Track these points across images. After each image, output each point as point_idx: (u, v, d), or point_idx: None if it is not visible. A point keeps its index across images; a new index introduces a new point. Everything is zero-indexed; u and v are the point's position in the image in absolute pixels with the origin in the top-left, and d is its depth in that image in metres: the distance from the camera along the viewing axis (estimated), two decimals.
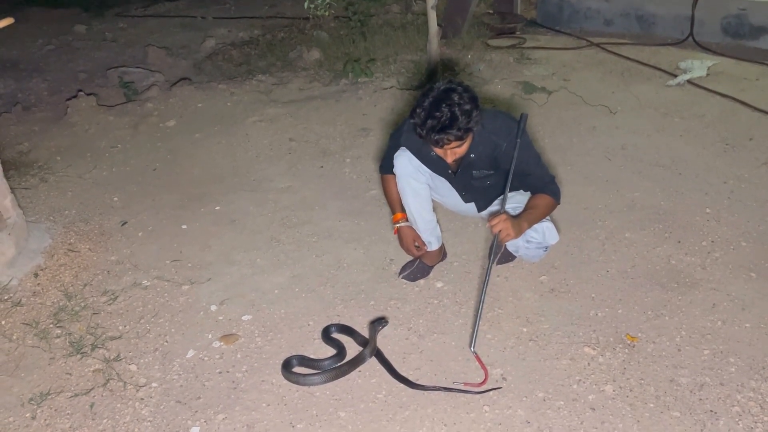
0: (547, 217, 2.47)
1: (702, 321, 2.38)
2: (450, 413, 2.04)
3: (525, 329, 2.38)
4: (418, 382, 2.16)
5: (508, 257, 2.73)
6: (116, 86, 5.11)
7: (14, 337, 2.48)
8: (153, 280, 2.80)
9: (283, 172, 3.68)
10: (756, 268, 2.64)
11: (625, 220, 3.01)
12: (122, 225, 3.24)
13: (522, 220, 2.29)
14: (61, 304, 2.65)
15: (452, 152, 2.23)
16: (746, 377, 2.12)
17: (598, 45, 5.30)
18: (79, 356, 2.37)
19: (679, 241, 2.84)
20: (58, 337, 2.47)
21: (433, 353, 2.30)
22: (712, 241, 2.83)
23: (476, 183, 2.51)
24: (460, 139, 2.16)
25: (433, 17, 4.60)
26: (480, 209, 2.68)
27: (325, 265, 2.84)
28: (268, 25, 6.68)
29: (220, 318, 2.55)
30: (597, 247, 2.83)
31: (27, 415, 2.13)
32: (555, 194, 2.41)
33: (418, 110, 2.16)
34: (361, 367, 2.24)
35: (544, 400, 2.07)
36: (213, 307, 2.60)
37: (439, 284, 2.66)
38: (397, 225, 2.60)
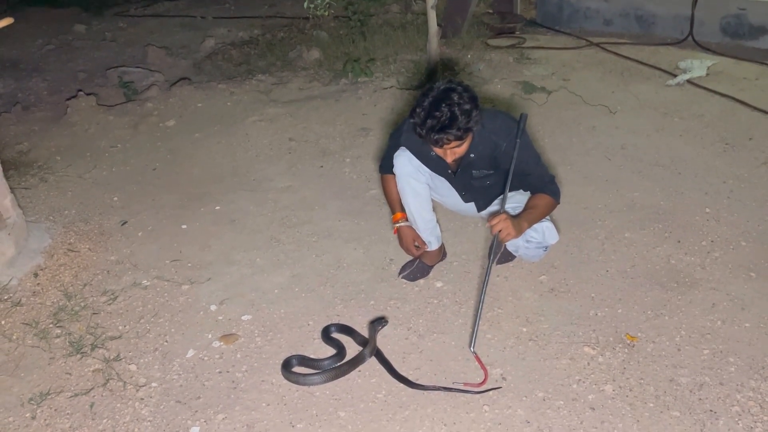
0: (547, 217, 2.47)
1: (702, 321, 2.38)
2: (450, 413, 2.04)
3: (525, 329, 2.38)
4: (417, 382, 2.16)
5: (507, 257, 2.73)
6: (116, 86, 5.11)
7: (14, 337, 2.48)
8: (153, 279, 2.80)
9: (283, 171, 3.68)
10: (756, 268, 2.64)
11: (625, 220, 3.01)
12: (122, 225, 3.24)
13: (522, 220, 2.29)
14: (60, 303, 2.65)
15: (452, 152, 2.23)
16: (746, 377, 2.12)
17: (597, 45, 5.30)
18: (78, 356, 2.37)
19: (679, 241, 2.84)
20: (57, 336, 2.47)
21: (433, 353, 2.30)
22: (712, 241, 2.83)
23: (476, 183, 2.51)
24: (460, 138, 2.16)
25: (432, 17, 4.60)
26: (480, 209, 2.68)
27: (324, 264, 2.84)
28: (267, 24, 6.68)
29: (220, 318, 2.55)
30: (597, 247, 2.83)
31: (27, 414, 2.13)
32: (555, 194, 2.41)
33: (417, 110, 2.16)
34: (360, 367, 2.24)
35: (544, 400, 2.07)
36: (213, 307, 2.60)
37: (438, 284, 2.66)
38: (397, 225, 2.60)
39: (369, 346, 2.28)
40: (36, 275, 2.82)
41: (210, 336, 2.45)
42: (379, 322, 2.38)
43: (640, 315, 2.42)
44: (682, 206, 3.09)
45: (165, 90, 4.95)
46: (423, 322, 2.45)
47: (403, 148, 2.45)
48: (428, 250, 2.65)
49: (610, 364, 2.20)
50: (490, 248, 2.48)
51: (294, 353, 2.32)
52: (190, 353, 2.36)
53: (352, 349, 2.33)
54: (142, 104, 4.67)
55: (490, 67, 4.95)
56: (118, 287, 2.76)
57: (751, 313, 2.40)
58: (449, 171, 2.47)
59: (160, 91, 4.90)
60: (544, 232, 2.48)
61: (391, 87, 4.69)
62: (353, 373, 2.22)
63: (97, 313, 2.60)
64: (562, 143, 3.77)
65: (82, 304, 2.64)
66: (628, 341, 2.30)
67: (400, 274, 2.71)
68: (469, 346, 2.23)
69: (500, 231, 2.21)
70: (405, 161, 2.44)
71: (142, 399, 2.17)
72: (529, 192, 2.48)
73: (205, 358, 2.34)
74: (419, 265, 2.70)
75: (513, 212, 2.40)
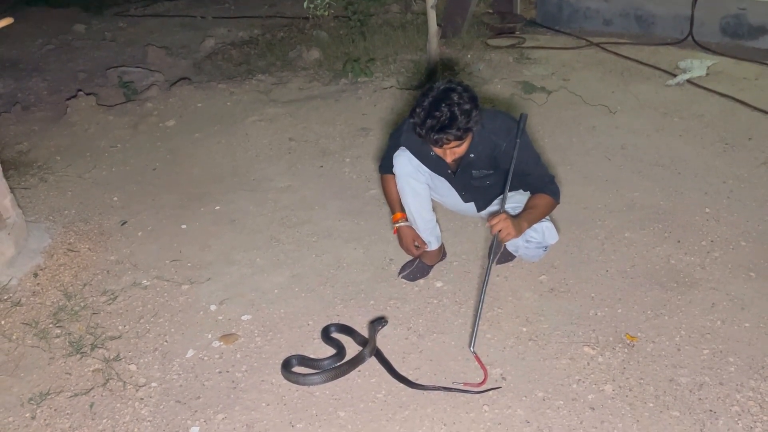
0: (547, 217, 2.47)
1: (701, 320, 2.38)
2: (449, 413, 2.04)
3: (524, 329, 2.38)
4: (417, 382, 2.16)
5: (507, 257, 2.73)
6: (116, 86, 5.10)
7: (14, 337, 2.48)
8: (153, 279, 2.80)
9: (283, 171, 3.68)
10: (755, 268, 2.64)
11: (625, 220, 3.01)
12: (122, 225, 3.24)
13: (522, 220, 2.29)
14: (60, 303, 2.65)
15: (451, 152, 2.23)
16: (746, 377, 2.12)
17: (597, 45, 5.30)
18: (78, 356, 2.37)
19: (679, 241, 2.84)
20: (57, 336, 2.47)
21: (433, 353, 2.30)
22: (712, 241, 2.83)
23: (476, 183, 2.51)
24: (460, 138, 2.16)
25: (432, 17, 4.60)
26: (479, 209, 2.68)
27: (324, 264, 2.84)
28: (267, 24, 6.68)
29: (220, 318, 2.55)
30: (596, 247, 2.83)
31: (27, 414, 2.13)
32: (554, 194, 2.41)
33: (417, 110, 2.16)
34: (360, 367, 2.24)
35: (544, 400, 2.07)
36: (213, 307, 2.60)
37: (438, 284, 2.66)
38: (397, 225, 2.60)
39: (369, 346, 2.28)
40: (36, 275, 2.82)
41: (210, 336, 2.45)
42: (378, 322, 2.38)
43: (640, 315, 2.42)
44: (682, 206, 3.09)
45: (165, 90, 4.95)
46: (423, 322, 2.45)
47: (402, 148, 2.45)
48: (428, 250, 2.65)
49: (610, 364, 2.20)
50: (490, 248, 2.48)
51: (294, 353, 2.32)
52: (190, 353, 2.36)
53: (352, 349, 2.33)
54: (141, 104, 4.67)
55: (490, 67, 4.95)
56: (118, 287, 2.76)
57: (751, 313, 2.40)
58: (449, 171, 2.47)
59: (159, 91, 4.90)
60: (543, 232, 2.48)
61: (391, 87, 4.69)
62: (353, 373, 2.22)
63: (96, 313, 2.60)
64: (561, 143, 3.77)
65: (82, 304, 2.64)
66: (628, 341, 2.30)
67: (399, 274, 2.71)
68: (469, 346, 2.23)
69: (500, 231, 2.21)
70: (405, 161, 2.44)
71: (142, 399, 2.17)
72: (528, 192, 2.48)
73: (205, 358, 2.34)
74: (419, 265, 2.70)
75: (513, 212, 2.40)
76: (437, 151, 2.27)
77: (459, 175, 2.48)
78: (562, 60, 5.07)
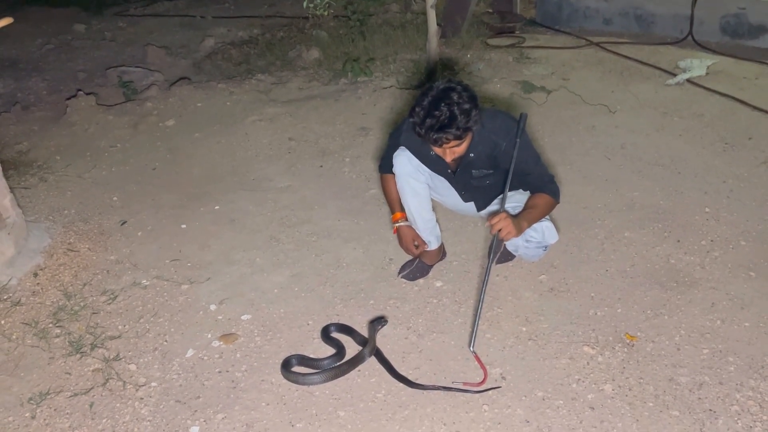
0: (547, 217, 2.47)
1: (701, 320, 2.38)
2: (449, 412, 2.04)
3: (524, 328, 2.38)
4: (417, 382, 2.16)
5: (507, 256, 2.73)
6: (115, 86, 5.10)
7: (14, 337, 2.48)
8: (152, 279, 2.80)
9: (283, 171, 3.68)
10: (755, 267, 2.64)
11: (625, 220, 3.01)
12: (122, 224, 3.24)
13: (521, 219, 2.29)
14: (60, 303, 2.65)
15: (451, 151, 2.23)
16: (745, 376, 2.12)
17: (597, 44, 5.30)
18: (78, 356, 2.37)
19: (679, 241, 2.84)
20: (57, 336, 2.47)
21: (433, 352, 2.30)
22: (712, 241, 2.83)
23: (475, 182, 2.51)
24: (459, 138, 2.16)
25: (432, 16, 4.60)
26: (479, 208, 2.68)
27: (324, 264, 2.84)
28: (267, 24, 6.68)
29: (220, 317, 2.55)
30: (596, 247, 2.83)
31: (26, 414, 2.13)
32: (554, 193, 2.41)
33: (417, 109, 2.16)
34: (360, 367, 2.24)
35: (544, 400, 2.07)
36: (212, 307, 2.60)
37: (438, 283, 2.66)
38: (397, 224, 2.60)
39: (368, 345, 2.28)
40: (36, 275, 2.82)
41: (209, 335, 2.45)
42: (378, 322, 2.38)
43: (640, 314, 2.43)
44: (682, 206, 3.09)
45: (164, 90, 4.95)
46: (422, 322, 2.45)
47: (402, 147, 2.45)
48: (428, 249, 2.65)
49: (610, 364, 2.20)
50: (490, 248, 2.48)
51: (293, 353, 2.32)
52: (190, 353, 2.36)
53: (352, 348, 2.33)
54: (141, 104, 4.67)
55: (490, 66, 4.95)
56: (118, 287, 2.76)
57: (751, 313, 2.40)
58: (449, 170, 2.47)
59: (159, 90, 4.90)
60: (543, 231, 2.48)
61: (391, 86, 4.69)
62: (353, 373, 2.22)
63: (96, 313, 2.60)
64: (561, 143, 3.77)
65: (82, 304, 2.64)
66: (628, 341, 2.30)
67: (399, 273, 2.71)
68: (469, 346, 2.23)
69: (500, 230, 2.21)
70: (404, 161, 2.44)
71: (142, 399, 2.17)
72: (528, 191, 2.48)
73: (205, 358, 2.34)
74: (419, 264, 2.70)
75: (513, 212, 2.40)
76: (437, 150, 2.27)
77: (459, 175, 2.48)
78: (561, 59, 5.07)
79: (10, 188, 3.01)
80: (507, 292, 2.58)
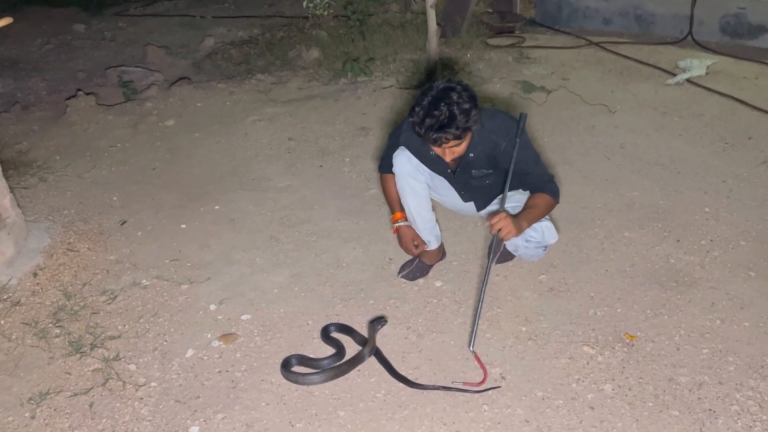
0: (546, 217, 2.47)
1: (701, 320, 2.38)
2: (449, 412, 2.04)
3: (524, 328, 2.39)
4: (417, 382, 2.16)
5: (507, 256, 2.73)
6: (115, 85, 5.10)
7: (13, 337, 2.48)
8: (152, 279, 2.80)
9: (283, 171, 3.68)
10: (755, 267, 2.64)
11: (624, 219, 3.01)
12: (121, 224, 3.24)
13: (521, 219, 2.29)
14: (60, 303, 2.65)
15: (450, 151, 2.23)
16: (745, 376, 2.12)
17: (597, 44, 5.30)
18: (78, 356, 2.37)
19: (678, 240, 2.84)
20: (57, 336, 2.47)
21: (432, 352, 2.30)
22: (711, 240, 2.83)
23: (475, 182, 2.51)
24: (459, 138, 2.16)
25: (432, 16, 4.60)
26: (479, 208, 2.68)
27: (324, 264, 2.84)
28: (267, 24, 6.68)
29: (220, 317, 2.55)
30: (596, 246, 2.83)
31: (26, 414, 2.13)
32: (554, 193, 2.41)
33: (416, 109, 2.16)
34: (360, 367, 2.24)
35: (543, 399, 2.07)
36: (212, 307, 2.60)
37: (438, 283, 2.66)
38: (397, 224, 2.60)
39: (368, 345, 2.28)
40: (35, 275, 2.82)
41: (209, 335, 2.45)
42: (378, 322, 2.38)
43: (640, 314, 2.43)
44: (682, 205, 3.09)
45: (164, 89, 4.95)
46: (422, 322, 2.45)
47: (402, 147, 2.45)
48: (427, 249, 2.65)
49: (610, 364, 2.20)
50: (490, 247, 2.48)
51: (293, 353, 2.32)
52: (190, 353, 2.36)
53: (352, 348, 2.33)
54: (141, 104, 4.67)
55: (490, 66, 4.95)
56: (118, 287, 2.76)
57: (751, 312, 2.40)
58: (448, 170, 2.47)
59: (159, 90, 4.90)
60: (543, 231, 2.48)
61: (391, 86, 4.69)
62: (352, 373, 2.22)
63: (96, 313, 2.60)
64: (561, 142, 3.77)
65: (82, 304, 2.64)
66: (628, 340, 2.30)
67: (399, 273, 2.71)
68: (469, 346, 2.23)
69: (500, 230, 2.21)
70: (404, 161, 2.44)
71: (142, 398, 2.17)
72: (528, 191, 2.48)
73: (205, 358, 2.34)
74: (418, 264, 2.70)
75: (512, 211, 2.40)
76: (436, 150, 2.27)
77: (458, 175, 2.48)
78: (561, 59, 5.07)
79: (10, 188, 3.01)
80: (507, 291, 2.58)
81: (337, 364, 2.25)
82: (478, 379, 2.14)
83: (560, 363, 2.21)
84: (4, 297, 2.68)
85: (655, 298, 2.51)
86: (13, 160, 3.94)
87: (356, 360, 2.24)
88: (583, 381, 2.13)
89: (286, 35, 6.14)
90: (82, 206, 3.43)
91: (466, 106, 2.13)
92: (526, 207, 2.39)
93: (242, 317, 2.53)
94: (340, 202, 3.32)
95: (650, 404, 2.03)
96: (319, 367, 2.24)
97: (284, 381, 2.20)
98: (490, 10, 6.11)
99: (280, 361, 2.27)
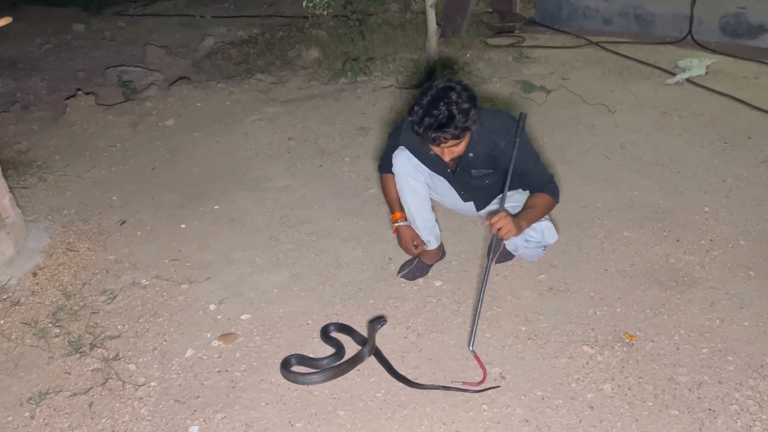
0: (546, 216, 2.47)
1: (700, 319, 2.38)
2: (449, 412, 2.04)
3: (524, 328, 2.39)
4: (416, 381, 2.16)
5: (506, 256, 2.73)
6: (115, 85, 5.10)
7: (13, 337, 2.48)
8: (152, 279, 2.80)
9: (282, 171, 3.68)
10: (754, 267, 2.65)
11: (624, 219, 3.01)
12: (121, 224, 3.24)
13: (521, 219, 2.29)
14: (59, 303, 2.65)
15: (449, 151, 2.23)
16: (745, 375, 2.12)
17: (597, 44, 5.30)
18: (77, 355, 2.37)
19: (678, 240, 2.84)
20: (56, 336, 2.47)
21: (432, 352, 2.30)
22: (711, 240, 2.83)
23: (475, 182, 2.51)
24: (458, 137, 2.16)
25: (432, 16, 4.60)
26: (479, 208, 2.68)
27: (324, 264, 2.84)
28: (267, 23, 6.68)
29: (219, 317, 2.55)
30: (596, 246, 2.83)
31: (26, 414, 2.13)
32: (554, 193, 2.41)
33: (416, 108, 2.16)
34: (359, 366, 2.24)
35: (543, 399, 2.07)
36: (212, 306, 2.60)
37: (437, 283, 2.66)
38: (396, 224, 2.60)
39: (368, 345, 2.28)
40: (35, 275, 2.82)
41: (209, 335, 2.45)
42: (378, 321, 2.38)
43: (639, 314, 2.43)
44: (681, 205, 3.09)
45: (164, 89, 4.95)
46: (422, 321, 2.45)
47: (402, 147, 2.45)
48: (427, 249, 2.65)
49: (609, 363, 2.20)
50: (489, 247, 2.48)
51: (293, 352, 2.32)
52: (189, 352, 2.36)
53: (351, 348, 2.33)
54: (141, 103, 4.67)
55: (490, 66, 4.95)
56: (117, 286, 2.76)
57: (750, 312, 2.40)
58: (448, 170, 2.47)
59: (159, 90, 4.90)
60: (543, 231, 2.48)
61: (391, 86, 4.69)
62: (352, 372, 2.22)
63: (96, 313, 2.60)
64: (561, 142, 3.77)
65: (81, 304, 2.64)
66: (627, 340, 2.30)
67: (399, 273, 2.71)
68: (468, 345, 2.23)
69: (500, 229, 2.21)
70: (404, 160, 2.44)
71: (141, 398, 2.17)
72: (528, 191, 2.48)
73: (204, 358, 2.34)
74: (418, 264, 2.70)
75: (512, 211, 2.39)
76: (435, 150, 2.27)
77: (458, 175, 2.48)
78: (561, 59, 5.07)
79: (10, 188, 3.00)
80: (506, 291, 2.58)
81: (337, 363, 2.25)
82: (478, 379, 2.14)
83: (560, 362, 2.21)
84: (4, 297, 2.68)
85: (655, 297, 2.51)
86: (13, 159, 3.94)
87: (356, 360, 2.24)
88: (582, 380, 2.13)
89: (286, 35, 6.14)
90: (81, 206, 3.43)
91: (465, 105, 2.13)
92: (525, 207, 2.39)
93: (242, 317, 2.53)
94: (340, 202, 3.32)
95: (650, 404, 2.03)
96: (318, 367, 2.24)
97: (284, 381, 2.20)
98: (490, 10, 6.11)
99: (280, 360, 2.27)
